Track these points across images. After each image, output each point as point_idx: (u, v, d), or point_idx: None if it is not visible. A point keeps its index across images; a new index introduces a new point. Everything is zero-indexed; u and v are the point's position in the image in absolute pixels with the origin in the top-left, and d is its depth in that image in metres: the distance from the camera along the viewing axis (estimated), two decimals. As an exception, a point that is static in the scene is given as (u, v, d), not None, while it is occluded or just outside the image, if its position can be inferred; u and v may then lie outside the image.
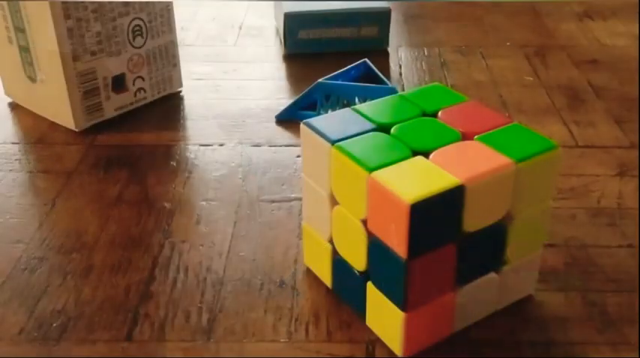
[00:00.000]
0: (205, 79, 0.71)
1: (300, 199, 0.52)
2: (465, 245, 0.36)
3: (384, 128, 0.39)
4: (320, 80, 0.64)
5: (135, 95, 0.64)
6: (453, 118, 0.40)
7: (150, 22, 0.63)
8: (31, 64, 0.61)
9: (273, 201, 0.52)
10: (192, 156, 0.58)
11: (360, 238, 0.38)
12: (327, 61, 0.74)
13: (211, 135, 0.61)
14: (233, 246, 0.48)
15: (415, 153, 0.37)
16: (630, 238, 0.48)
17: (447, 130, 0.39)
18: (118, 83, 0.62)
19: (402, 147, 0.37)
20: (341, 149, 0.37)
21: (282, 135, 0.61)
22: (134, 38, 0.62)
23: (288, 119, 0.64)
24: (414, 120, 0.40)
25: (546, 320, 0.41)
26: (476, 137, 0.38)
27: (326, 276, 0.43)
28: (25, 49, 0.60)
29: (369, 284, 0.38)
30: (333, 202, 0.39)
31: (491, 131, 0.39)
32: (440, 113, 0.41)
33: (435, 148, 0.37)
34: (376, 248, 0.36)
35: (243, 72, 0.73)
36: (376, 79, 0.66)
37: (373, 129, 0.39)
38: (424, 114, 0.41)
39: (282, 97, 0.68)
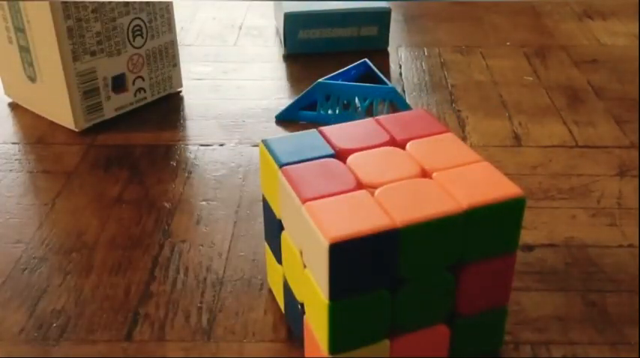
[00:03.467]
0: (205, 79, 0.71)
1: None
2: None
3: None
4: (320, 80, 0.64)
5: (135, 95, 0.64)
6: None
7: (150, 22, 0.63)
8: (31, 64, 0.61)
9: (273, 201, 0.52)
10: (192, 156, 0.58)
11: (299, 269, 0.36)
12: (327, 61, 0.74)
13: (211, 135, 0.61)
14: (233, 246, 0.48)
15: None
16: (630, 238, 0.48)
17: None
18: (118, 83, 0.62)
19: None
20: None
21: (282, 135, 0.61)
22: (134, 38, 0.62)
23: (288, 119, 0.64)
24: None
25: (546, 320, 0.41)
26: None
27: (280, 300, 0.42)
28: (25, 49, 0.60)
29: (305, 318, 0.36)
30: (282, 226, 0.38)
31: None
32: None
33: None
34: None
35: (243, 72, 0.73)
36: (376, 79, 0.66)
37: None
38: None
39: (282, 97, 0.68)
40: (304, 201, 0.33)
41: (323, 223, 0.31)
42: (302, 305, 0.37)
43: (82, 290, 0.44)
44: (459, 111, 0.65)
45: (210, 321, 0.41)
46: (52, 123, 0.63)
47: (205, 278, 0.45)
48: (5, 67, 0.64)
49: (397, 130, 0.39)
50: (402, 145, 0.38)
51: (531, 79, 0.71)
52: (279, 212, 0.37)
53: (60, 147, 0.60)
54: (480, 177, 0.35)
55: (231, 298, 0.43)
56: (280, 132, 0.62)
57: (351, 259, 0.31)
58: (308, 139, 0.39)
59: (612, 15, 0.88)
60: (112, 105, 0.63)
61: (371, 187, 0.35)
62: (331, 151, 0.37)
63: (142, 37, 0.63)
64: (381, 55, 0.77)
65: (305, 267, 0.35)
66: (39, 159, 0.58)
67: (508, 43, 0.80)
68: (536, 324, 0.41)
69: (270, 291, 0.43)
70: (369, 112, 0.62)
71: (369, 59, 0.69)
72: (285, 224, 0.37)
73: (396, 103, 0.63)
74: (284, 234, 0.37)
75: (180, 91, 0.69)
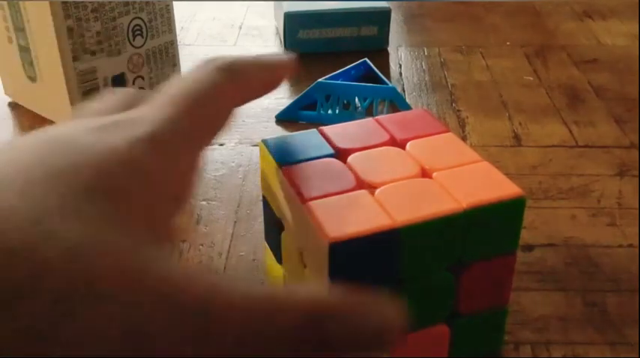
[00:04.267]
0: (205, 79, 0.71)
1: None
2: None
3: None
4: (320, 80, 0.64)
5: (135, 95, 0.64)
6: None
7: (150, 21, 0.63)
8: (31, 63, 0.61)
9: (273, 201, 0.52)
10: (192, 156, 0.58)
11: (299, 269, 0.35)
12: (327, 61, 0.74)
13: (211, 135, 0.61)
14: (233, 246, 0.48)
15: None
16: (630, 238, 0.48)
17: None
18: (118, 83, 0.62)
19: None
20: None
21: (282, 135, 0.61)
22: (134, 38, 0.62)
23: (288, 119, 0.64)
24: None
25: (546, 320, 0.41)
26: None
27: None
28: (25, 49, 0.60)
29: None
30: (282, 226, 0.37)
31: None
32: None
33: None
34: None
35: (243, 72, 0.73)
36: (376, 79, 0.66)
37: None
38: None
39: (282, 97, 0.68)
40: (304, 200, 0.33)
41: (323, 223, 0.31)
42: None
43: (82, 290, 0.44)
44: (458, 111, 0.65)
45: (210, 321, 0.41)
46: (52, 123, 0.63)
47: (205, 278, 0.45)
48: (5, 66, 0.64)
49: (397, 130, 0.39)
50: (402, 145, 0.38)
51: (531, 78, 0.71)
52: (279, 212, 0.37)
53: (60, 147, 0.59)
54: (480, 177, 0.35)
55: (231, 298, 0.43)
56: (280, 132, 0.62)
57: (351, 259, 0.31)
58: (308, 139, 0.39)
59: (612, 15, 0.88)
60: (112, 105, 0.62)
61: (371, 187, 0.34)
62: (331, 151, 0.37)
63: (142, 37, 0.63)
64: (381, 55, 0.77)
65: (305, 266, 0.35)
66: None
67: (508, 43, 0.80)
68: (536, 324, 0.41)
69: (270, 291, 0.43)
70: (369, 112, 0.62)
71: (369, 59, 0.69)
72: (285, 224, 0.37)
73: (396, 103, 0.63)
74: (284, 234, 0.37)
75: (180, 91, 0.69)
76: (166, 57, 0.66)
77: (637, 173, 0.55)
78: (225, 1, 0.93)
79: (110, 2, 0.59)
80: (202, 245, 0.48)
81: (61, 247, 0.18)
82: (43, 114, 0.64)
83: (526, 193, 0.52)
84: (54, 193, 0.19)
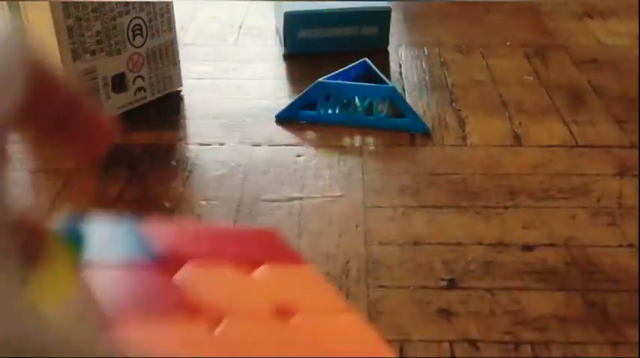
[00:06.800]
0: (205, 79, 0.71)
1: (300, 199, 0.52)
2: None
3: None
4: (320, 80, 0.64)
5: (135, 94, 0.64)
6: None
7: (150, 21, 0.63)
8: (31, 63, 0.61)
9: (273, 201, 0.52)
10: (192, 155, 0.58)
11: None
12: (327, 61, 0.74)
13: (211, 135, 0.61)
14: (233, 245, 0.48)
15: None
16: (630, 238, 0.48)
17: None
18: (118, 82, 0.62)
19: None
20: None
21: (282, 134, 0.61)
22: (134, 37, 0.62)
23: (288, 119, 0.64)
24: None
25: (546, 320, 0.41)
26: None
27: None
28: (25, 49, 0.60)
29: None
30: None
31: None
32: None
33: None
34: None
35: (243, 71, 0.73)
36: (376, 79, 0.66)
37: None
38: None
39: (282, 97, 0.68)
40: None
41: None
42: None
43: (82, 289, 0.44)
44: (458, 110, 0.65)
45: (210, 321, 0.41)
46: (51, 122, 0.63)
47: (205, 278, 0.45)
48: (5, 66, 0.64)
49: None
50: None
51: (531, 78, 0.71)
52: None
53: (60, 146, 0.59)
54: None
55: (231, 298, 0.43)
56: (280, 132, 0.62)
57: None
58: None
59: (612, 15, 0.88)
60: (112, 105, 0.63)
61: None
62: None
63: (142, 37, 0.63)
64: (381, 54, 0.77)
65: None
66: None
67: (508, 43, 0.80)
68: (536, 324, 0.41)
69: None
70: (369, 112, 0.62)
71: (369, 59, 0.69)
72: None
73: (396, 103, 0.63)
74: None
75: (181, 91, 0.69)
76: (166, 56, 0.66)
77: (637, 173, 0.55)
78: (226, 0, 0.93)
79: (110, 2, 0.59)
80: (202, 244, 0.48)
81: None
82: (43, 114, 0.64)
83: (526, 193, 0.52)
84: None
